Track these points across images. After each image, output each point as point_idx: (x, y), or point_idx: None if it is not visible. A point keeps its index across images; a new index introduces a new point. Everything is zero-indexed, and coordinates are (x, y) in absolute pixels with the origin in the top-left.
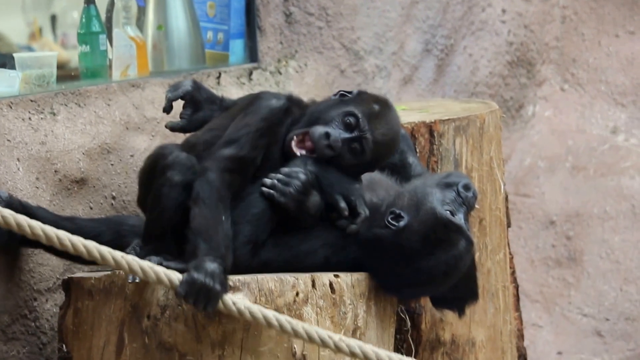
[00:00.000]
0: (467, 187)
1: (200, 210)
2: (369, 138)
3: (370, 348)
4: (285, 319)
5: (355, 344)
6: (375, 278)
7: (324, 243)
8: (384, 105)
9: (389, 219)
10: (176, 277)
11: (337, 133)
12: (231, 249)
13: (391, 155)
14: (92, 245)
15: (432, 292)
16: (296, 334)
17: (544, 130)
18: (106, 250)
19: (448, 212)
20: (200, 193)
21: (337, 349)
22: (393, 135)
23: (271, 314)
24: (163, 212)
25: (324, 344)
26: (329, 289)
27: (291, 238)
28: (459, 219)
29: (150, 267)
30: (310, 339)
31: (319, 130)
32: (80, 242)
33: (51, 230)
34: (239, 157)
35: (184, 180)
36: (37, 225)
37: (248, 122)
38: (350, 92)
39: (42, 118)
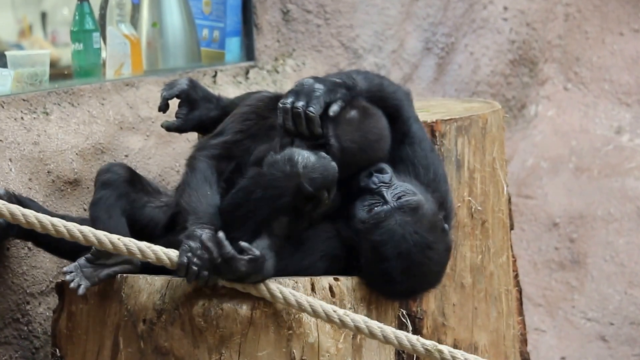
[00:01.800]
0: (370, 175)
1: (184, 194)
2: (333, 144)
3: (375, 324)
4: (289, 292)
5: (360, 318)
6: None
7: (323, 255)
8: (363, 112)
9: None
10: (174, 254)
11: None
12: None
13: (366, 161)
14: (88, 230)
15: (434, 276)
16: (300, 307)
17: (546, 131)
18: (102, 234)
19: (365, 212)
20: (185, 181)
21: (342, 324)
22: (365, 143)
23: (275, 286)
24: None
25: (329, 318)
26: (328, 292)
27: (293, 255)
28: (379, 206)
29: (148, 247)
30: (315, 313)
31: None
32: (75, 228)
33: (45, 218)
34: (222, 142)
35: (102, 179)
36: (30, 213)
37: (234, 112)
38: None
39: (34, 118)
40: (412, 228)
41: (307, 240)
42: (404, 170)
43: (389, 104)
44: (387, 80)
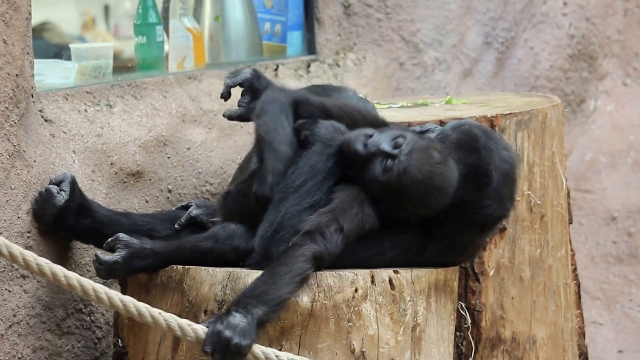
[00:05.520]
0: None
1: (261, 120)
2: (402, 161)
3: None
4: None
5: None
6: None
7: (392, 245)
8: (441, 154)
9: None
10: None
11: (380, 140)
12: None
13: (419, 201)
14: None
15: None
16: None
17: (605, 125)
18: (129, 300)
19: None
20: (262, 107)
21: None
22: (427, 178)
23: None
24: None
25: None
26: (388, 285)
27: (361, 242)
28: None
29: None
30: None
31: (365, 131)
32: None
33: (59, 270)
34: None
35: None
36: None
37: None
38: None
39: (98, 110)
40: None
41: (378, 231)
42: None
43: None
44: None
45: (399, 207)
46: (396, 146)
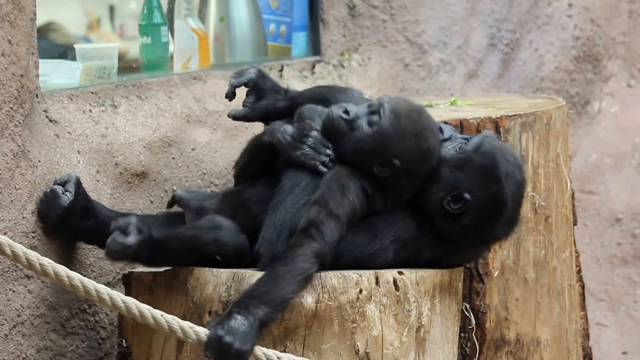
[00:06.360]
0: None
1: None
2: (387, 108)
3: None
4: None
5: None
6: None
7: (394, 239)
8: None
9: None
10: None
11: (358, 106)
12: None
13: (409, 144)
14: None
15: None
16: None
17: (610, 127)
18: (131, 302)
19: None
20: None
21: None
22: (415, 113)
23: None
24: None
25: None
26: (392, 286)
27: (361, 237)
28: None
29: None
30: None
31: (339, 104)
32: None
33: (53, 267)
34: None
35: None
36: (33, 256)
37: None
38: None
39: (103, 110)
40: (506, 150)
41: (376, 224)
42: None
43: None
44: None
45: (389, 165)
46: (379, 105)
